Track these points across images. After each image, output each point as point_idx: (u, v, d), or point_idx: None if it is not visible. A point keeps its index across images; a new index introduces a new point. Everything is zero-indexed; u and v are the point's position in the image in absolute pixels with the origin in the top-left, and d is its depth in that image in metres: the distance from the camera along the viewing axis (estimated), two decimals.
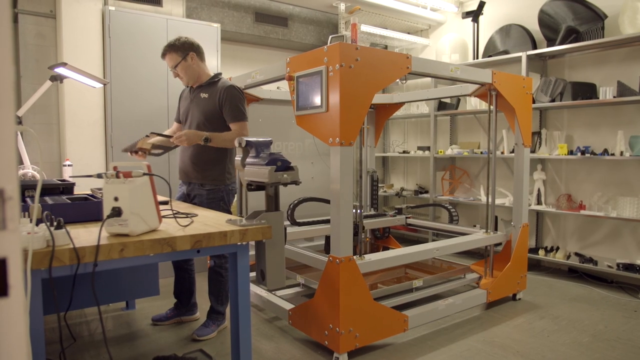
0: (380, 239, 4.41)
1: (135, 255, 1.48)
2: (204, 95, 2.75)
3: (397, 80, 2.78)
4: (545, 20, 4.19)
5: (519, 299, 3.47)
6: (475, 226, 4.63)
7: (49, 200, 1.95)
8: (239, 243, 1.72)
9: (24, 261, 1.17)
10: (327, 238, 3.52)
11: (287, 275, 3.19)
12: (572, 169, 4.27)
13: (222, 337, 2.83)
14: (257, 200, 3.58)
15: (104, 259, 1.42)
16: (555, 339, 2.78)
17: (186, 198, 2.87)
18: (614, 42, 3.78)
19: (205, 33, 4.30)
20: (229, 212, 2.78)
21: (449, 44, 5.03)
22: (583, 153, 3.92)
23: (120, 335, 2.88)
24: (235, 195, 3.06)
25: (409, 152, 5.60)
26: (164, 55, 2.79)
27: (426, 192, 5.46)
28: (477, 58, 4.87)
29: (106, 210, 1.53)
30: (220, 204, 2.78)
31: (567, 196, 4.16)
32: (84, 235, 1.54)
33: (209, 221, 1.87)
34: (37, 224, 1.34)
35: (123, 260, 1.48)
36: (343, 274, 2.39)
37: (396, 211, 4.25)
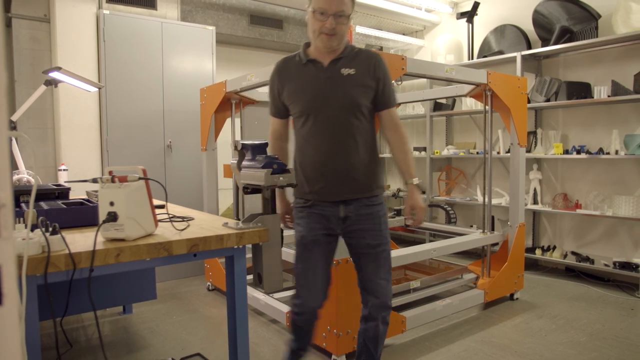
0: None
1: (131, 260, 1.48)
2: (347, 70, 1.88)
3: (393, 81, 2.79)
4: (540, 20, 4.21)
5: (517, 298, 3.48)
6: (472, 226, 4.65)
7: (44, 205, 1.94)
8: (235, 246, 1.71)
9: (19, 267, 1.16)
10: None
11: (284, 277, 3.19)
12: (567, 168, 4.28)
13: (219, 340, 2.82)
14: (253, 203, 3.58)
15: (100, 264, 1.41)
16: (553, 338, 2.79)
17: (338, 224, 1.94)
18: (608, 42, 3.80)
19: (200, 36, 4.30)
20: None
21: (444, 44, 5.04)
22: (578, 152, 3.93)
23: (117, 340, 2.87)
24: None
25: None
26: None
27: (423, 192, 5.47)
28: (472, 59, 4.88)
29: (102, 215, 1.52)
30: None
31: (563, 195, 4.17)
32: (80, 241, 1.53)
33: (205, 224, 1.87)
34: (32, 230, 1.33)
35: (119, 265, 1.47)
36: (340, 276, 2.39)
37: (395, 212, 4.25)
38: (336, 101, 1.87)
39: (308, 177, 1.93)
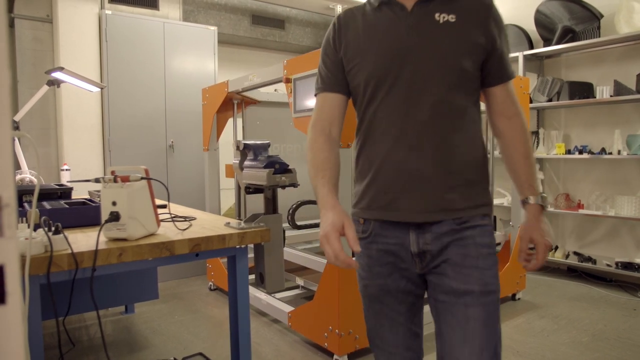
0: None
1: (133, 260, 1.48)
2: (445, 16, 1.14)
3: None
4: (542, 20, 4.20)
5: (519, 298, 3.48)
6: None
7: (47, 205, 1.94)
8: (237, 246, 1.71)
9: (22, 267, 1.16)
10: None
11: (287, 277, 3.19)
12: (570, 168, 4.27)
13: (221, 340, 2.82)
14: (255, 203, 3.58)
15: (103, 263, 1.42)
16: (555, 339, 2.78)
17: (412, 264, 1.23)
18: (610, 42, 3.80)
19: (202, 36, 4.31)
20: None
21: None
22: (581, 152, 3.92)
23: (119, 339, 2.87)
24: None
25: None
26: None
27: None
28: None
29: (104, 215, 1.53)
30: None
31: (565, 195, 4.17)
32: (83, 240, 1.54)
33: (207, 224, 1.87)
34: (35, 229, 1.34)
35: (122, 265, 1.47)
36: (342, 275, 2.39)
37: None
38: (425, 62, 1.13)
39: (372, 183, 1.21)
